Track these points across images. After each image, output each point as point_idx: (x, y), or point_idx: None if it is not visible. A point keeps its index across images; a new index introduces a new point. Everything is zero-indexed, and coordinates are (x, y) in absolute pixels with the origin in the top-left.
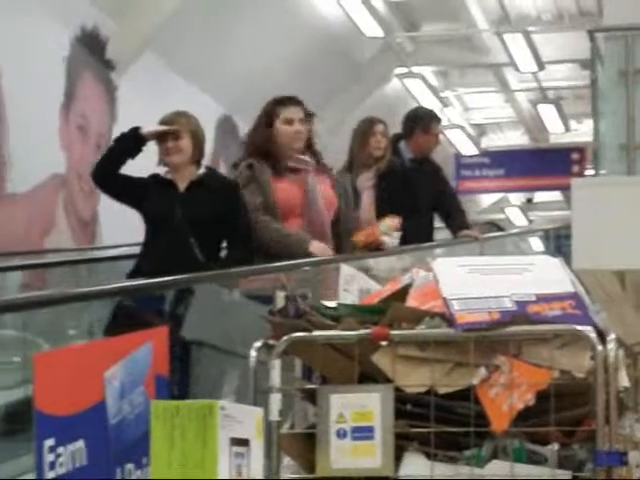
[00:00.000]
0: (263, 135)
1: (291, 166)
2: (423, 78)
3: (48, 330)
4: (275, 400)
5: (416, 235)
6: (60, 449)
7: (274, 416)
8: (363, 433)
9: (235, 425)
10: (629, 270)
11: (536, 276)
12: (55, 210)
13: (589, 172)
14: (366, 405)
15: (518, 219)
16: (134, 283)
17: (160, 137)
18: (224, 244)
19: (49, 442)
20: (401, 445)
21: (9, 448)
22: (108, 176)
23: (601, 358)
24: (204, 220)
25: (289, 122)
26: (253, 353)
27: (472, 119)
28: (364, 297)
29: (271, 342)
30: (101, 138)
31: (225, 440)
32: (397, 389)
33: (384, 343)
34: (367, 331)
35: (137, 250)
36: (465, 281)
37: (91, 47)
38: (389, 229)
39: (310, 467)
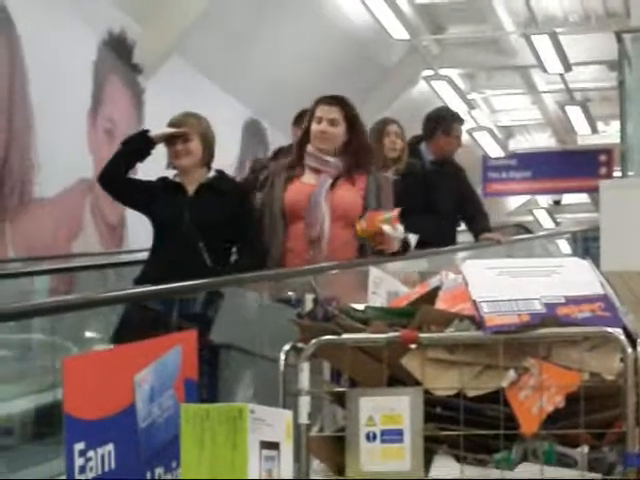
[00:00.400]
0: (302, 132)
1: (313, 166)
2: (450, 80)
3: (77, 334)
4: (304, 403)
5: (437, 238)
6: (90, 453)
7: (303, 419)
8: (392, 436)
9: (265, 428)
10: None
11: (565, 278)
12: (83, 214)
13: (616, 174)
14: (395, 408)
15: (546, 221)
16: (161, 287)
17: (169, 139)
18: (234, 249)
19: (79, 446)
20: (430, 448)
21: (39, 451)
22: (116, 179)
23: (631, 360)
24: (213, 225)
25: (318, 121)
26: (282, 356)
27: (499, 121)
28: (392, 300)
29: (300, 345)
30: None
31: (255, 443)
32: (426, 392)
33: (413, 346)
34: (396, 334)
35: None
36: (494, 283)
37: (118, 51)
38: (389, 220)
39: (339, 470)
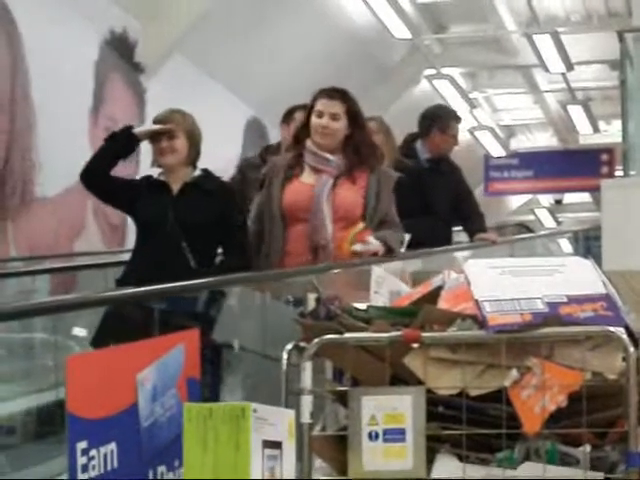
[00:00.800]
0: (299, 125)
1: (313, 165)
2: (452, 79)
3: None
4: (306, 402)
5: (431, 239)
6: (92, 452)
7: (305, 418)
8: (395, 435)
9: (267, 427)
10: None
11: (567, 277)
12: (84, 213)
13: (618, 173)
14: (397, 407)
15: (547, 221)
16: (165, 286)
17: (154, 137)
18: (219, 250)
19: (82, 445)
20: (433, 447)
21: (41, 450)
22: (98, 177)
23: (633, 359)
24: (198, 224)
25: (319, 115)
26: (284, 355)
27: (501, 120)
28: (395, 299)
29: (302, 344)
30: None
31: (257, 442)
32: (428, 391)
33: (415, 345)
34: (398, 333)
35: None
36: (497, 283)
37: (120, 50)
38: (352, 239)
39: (342, 469)
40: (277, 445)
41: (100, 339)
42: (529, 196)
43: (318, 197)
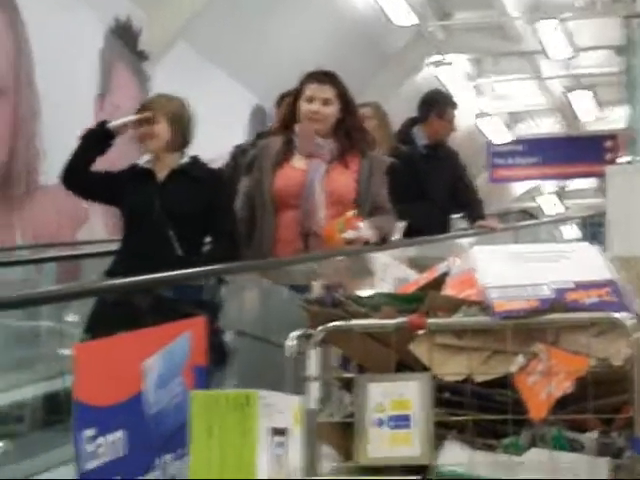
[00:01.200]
0: (286, 111)
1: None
2: (456, 66)
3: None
4: (313, 389)
5: (427, 225)
6: (100, 439)
7: (312, 405)
8: (401, 422)
9: (274, 414)
10: None
11: (574, 263)
12: (88, 202)
13: (622, 159)
14: (404, 394)
15: (552, 207)
16: (171, 274)
17: (138, 123)
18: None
19: (89, 432)
20: (439, 434)
21: (49, 438)
22: (78, 176)
23: (638, 345)
24: (185, 212)
25: (309, 100)
26: (291, 342)
27: (505, 107)
28: (400, 285)
29: (308, 331)
30: None
31: (264, 429)
32: (434, 377)
33: (421, 332)
34: (404, 320)
35: None
36: (503, 269)
37: (125, 38)
38: (341, 227)
39: (348, 456)
40: (284, 432)
41: (94, 326)
42: (534, 182)
43: (311, 182)
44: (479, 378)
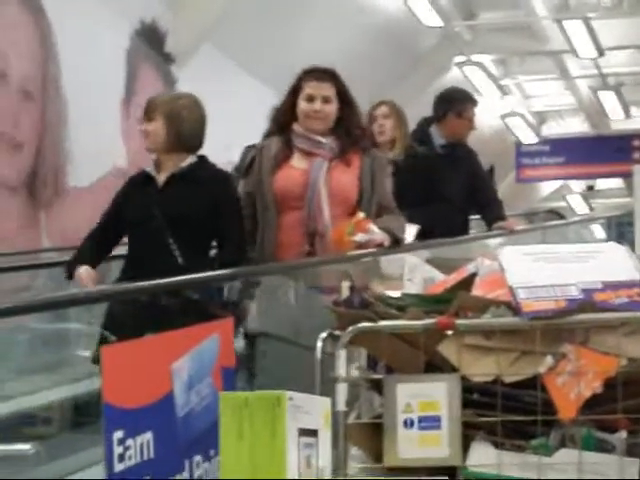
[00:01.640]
0: (283, 109)
1: (303, 148)
2: (482, 66)
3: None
4: (341, 390)
5: (444, 227)
6: (129, 441)
7: (341, 406)
8: (430, 423)
9: (303, 416)
10: None
11: (602, 263)
12: None
13: None
14: (432, 394)
15: (579, 207)
16: (200, 276)
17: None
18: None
19: (118, 434)
20: (468, 435)
21: (76, 440)
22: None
23: None
24: (185, 217)
25: (309, 99)
26: (319, 344)
27: (532, 107)
28: (428, 286)
29: (337, 332)
30: None
31: (294, 431)
32: (463, 378)
33: (450, 332)
34: (433, 320)
35: None
36: (531, 269)
37: (151, 40)
38: (351, 231)
39: (377, 457)
40: (313, 433)
41: (111, 322)
42: (561, 182)
43: (314, 181)
44: (508, 379)
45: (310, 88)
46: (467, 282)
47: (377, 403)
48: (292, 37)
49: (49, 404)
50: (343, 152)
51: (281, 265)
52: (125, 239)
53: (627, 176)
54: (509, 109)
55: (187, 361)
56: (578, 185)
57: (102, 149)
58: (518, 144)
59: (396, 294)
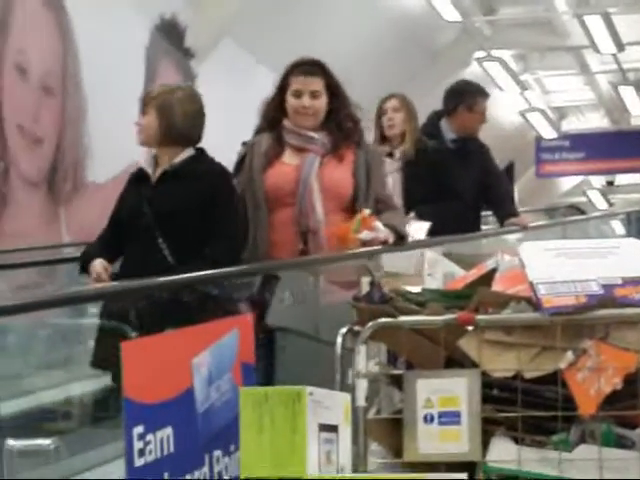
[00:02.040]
0: (272, 105)
1: (294, 144)
2: (502, 61)
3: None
4: (361, 386)
5: (454, 223)
6: (149, 436)
7: (361, 402)
8: (450, 418)
9: (323, 411)
10: None
11: (622, 259)
12: None
13: None
14: (453, 390)
15: (600, 202)
16: (218, 271)
17: None
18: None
19: (138, 429)
20: (488, 430)
21: (96, 435)
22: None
23: None
24: (177, 216)
25: (297, 94)
26: (339, 339)
27: (552, 102)
28: (448, 281)
29: (356, 328)
30: None
31: (314, 426)
32: (483, 374)
33: (470, 328)
34: (453, 316)
35: None
36: (551, 265)
37: (170, 36)
38: (357, 228)
39: (397, 452)
40: (333, 428)
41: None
42: (581, 178)
43: (306, 177)
44: (528, 374)
45: (297, 83)
46: (487, 277)
47: (397, 398)
48: (311, 31)
49: (68, 399)
50: (335, 147)
51: (290, 262)
52: None
53: None
54: (529, 104)
55: (207, 356)
56: (598, 180)
57: (121, 144)
58: (538, 139)
59: (416, 289)
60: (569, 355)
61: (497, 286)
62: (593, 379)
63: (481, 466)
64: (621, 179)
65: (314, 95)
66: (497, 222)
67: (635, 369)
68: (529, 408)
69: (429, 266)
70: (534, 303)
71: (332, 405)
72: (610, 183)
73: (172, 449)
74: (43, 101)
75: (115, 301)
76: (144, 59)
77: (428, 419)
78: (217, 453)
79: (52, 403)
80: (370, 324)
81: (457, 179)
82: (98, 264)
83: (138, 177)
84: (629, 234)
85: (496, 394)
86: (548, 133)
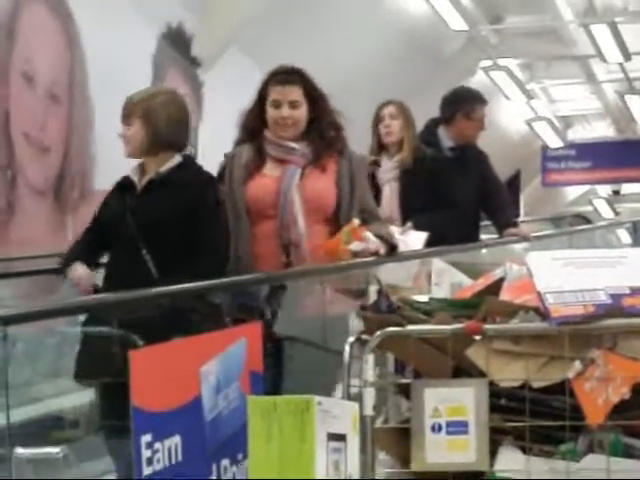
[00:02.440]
0: (252, 116)
1: (275, 155)
2: (508, 70)
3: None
4: (369, 395)
5: (453, 233)
6: (157, 445)
7: (368, 411)
8: (458, 427)
9: (331, 420)
10: None
11: (630, 269)
12: None
13: None
14: (460, 399)
15: (606, 211)
16: (232, 279)
17: None
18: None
19: (146, 438)
20: (495, 439)
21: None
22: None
23: None
24: (160, 227)
25: (276, 105)
26: (347, 348)
27: (558, 111)
28: (455, 291)
29: (364, 337)
30: None
31: (322, 435)
32: (491, 383)
33: (478, 337)
34: (461, 325)
35: None
36: (559, 274)
37: (177, 44)
38: (347, 238)
39: (405, 461)
40: (341, 438)
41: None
42: (587, 187)
43: (286, 190)
44: (536, 384)
45: (276, 93)
46: (495, 287)
47: (404, 408)
48: (318, 40)
49: (76, 407)
50: (317, 157)
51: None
52: None
53: None
54: (535, 113)
55: (215, 365)
56: (604, 189)
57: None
58: (544, 148)
59: (424, 298)
60: (577, 365)
61: (505, 295)
62: (601, 389)
63: (489, 476)
64: (627, 188)
65: (293, 105)
66: (496, 232)
67: None
68: (537, 418)
69: (436, 275)
70: (542, 312)
71: (340, 414)
72: (616, 192)
73: (180, 458)
74: (50, 109)
75: (122, 310)
76: (151, 68)
77: (436, 428)
78: (225, 462)
79: (60, 411)
80: (378, 333)
81: (456, 188)
82: (80, 268)
83: (123, 185)
84: (635, 243)
85: (504, 403)
86: (554, 142)
